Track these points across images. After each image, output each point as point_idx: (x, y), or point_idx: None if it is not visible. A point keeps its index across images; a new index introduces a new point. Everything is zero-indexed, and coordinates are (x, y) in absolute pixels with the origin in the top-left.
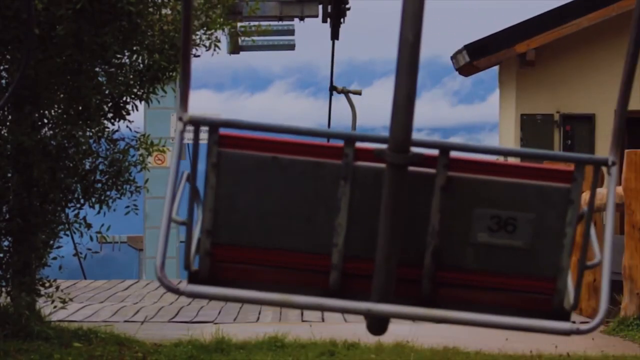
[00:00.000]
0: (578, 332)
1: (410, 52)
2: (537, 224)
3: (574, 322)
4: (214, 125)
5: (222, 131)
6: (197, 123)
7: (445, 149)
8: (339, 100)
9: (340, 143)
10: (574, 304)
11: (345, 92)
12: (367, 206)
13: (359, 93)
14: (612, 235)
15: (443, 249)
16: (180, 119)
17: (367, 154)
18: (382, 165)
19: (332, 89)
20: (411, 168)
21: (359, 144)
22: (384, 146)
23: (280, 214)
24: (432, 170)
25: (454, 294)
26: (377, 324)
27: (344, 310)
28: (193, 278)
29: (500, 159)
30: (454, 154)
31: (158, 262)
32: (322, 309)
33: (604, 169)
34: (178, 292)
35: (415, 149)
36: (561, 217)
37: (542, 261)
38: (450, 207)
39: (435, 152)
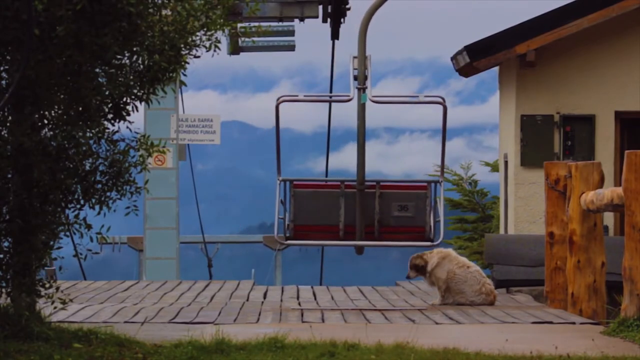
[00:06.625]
0: (433, 245)
1: (361, 153)
2: (416, 206)
3: (434, 243)
4: (291, 180)
5: (295, 182)
6: (284, 180)
7: (378, 181)
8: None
9: (338, 182)
10: (434, 236)
11: None
12: (351, 205)
13: None
14: (443, 219)
15: (381, 219)
16: (278, 178)
17: (349, 186)
18: (355, 189)
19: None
20: (366, 190)
21: (347, 183)
22: (355, 182)
23: (319, 211)
24: (374, 190)
25: (388, 236)
26: (359, 250)
27: (346, 245)
28: (287, 239)
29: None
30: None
31: (275, 232)
32: (339, 245)
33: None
34: (285, 244)
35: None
36: (424, 202)
37: (419, 220)
38: (383, 202)
39: (374, 183)
